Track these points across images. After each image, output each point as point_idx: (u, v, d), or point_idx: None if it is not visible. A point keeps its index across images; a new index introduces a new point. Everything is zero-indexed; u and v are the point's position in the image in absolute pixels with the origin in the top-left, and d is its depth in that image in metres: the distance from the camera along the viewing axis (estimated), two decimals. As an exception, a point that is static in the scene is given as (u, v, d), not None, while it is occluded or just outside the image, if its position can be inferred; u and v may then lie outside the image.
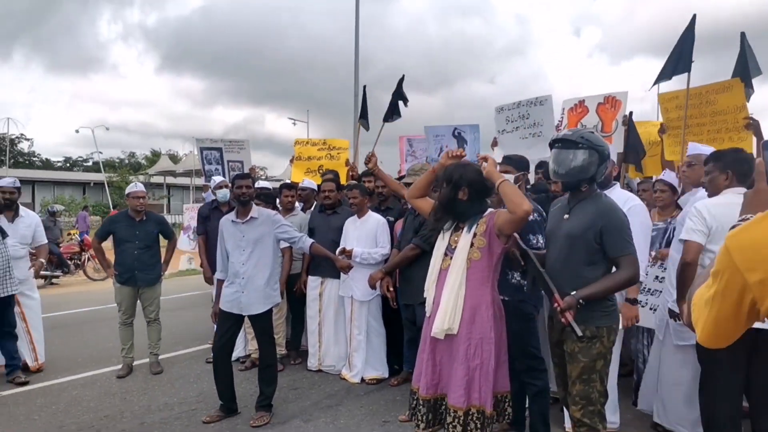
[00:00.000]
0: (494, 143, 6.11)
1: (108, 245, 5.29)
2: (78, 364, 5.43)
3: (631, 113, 4.58)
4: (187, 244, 7.77)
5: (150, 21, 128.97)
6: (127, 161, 52.19)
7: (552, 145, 2.80)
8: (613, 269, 2.66)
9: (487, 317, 2.73)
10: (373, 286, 4.46)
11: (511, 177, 3.46)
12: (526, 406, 3.50)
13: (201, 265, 5.81)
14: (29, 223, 5.26)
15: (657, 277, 3.84)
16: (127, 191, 5.31)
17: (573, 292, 2.53)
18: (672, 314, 3.27)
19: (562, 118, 5.71)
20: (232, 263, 4.05)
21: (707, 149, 3.63)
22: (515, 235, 2.89)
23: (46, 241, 5.59)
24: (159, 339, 5.32)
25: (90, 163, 51.09)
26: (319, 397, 4.49)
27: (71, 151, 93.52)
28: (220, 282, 4.15)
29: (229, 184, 5.34)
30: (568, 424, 3.30)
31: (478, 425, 2.65)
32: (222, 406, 4.07)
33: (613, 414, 3.47)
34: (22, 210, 5.26)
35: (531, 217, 3.34)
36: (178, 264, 12.94)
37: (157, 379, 4.99)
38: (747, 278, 0.93)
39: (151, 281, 5.22)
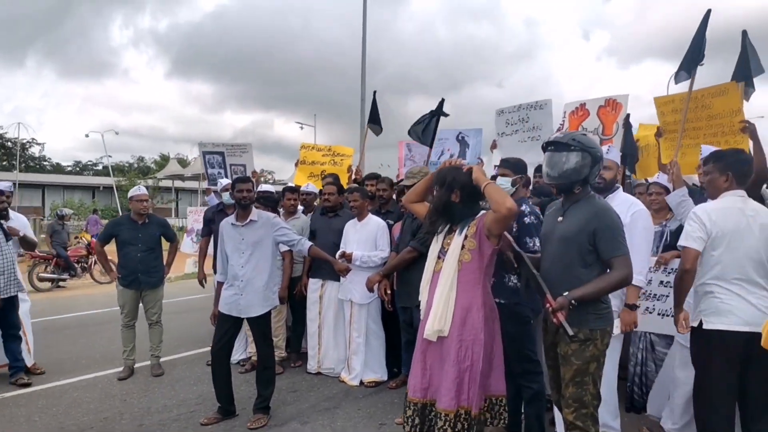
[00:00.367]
0: (493, 146, 6.12)
1: (113, 248, 5.33)
2: (81, 366, 5.47)
3: (628, 115, 4.58)
4: (190, 246, 7.82)
5: (161, 26, 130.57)
6: (136, 165, 52.58)
7: (545, 148, 2.81)
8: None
9: (479, 319, 2.73)
10: (371, 289, 4.47)
11: (508, 180, 3.47)
12: (522, 410, 3.49)
13: (200, 268, 5.86)
14: (18, 225, 5.29)
15: (662, 282, 3.80)
16: (129, 194, 5.36)
17: (565, 293, 2.53)
18: None
19: (564, 121, 5.71)
20: (231, 266, 4.07)
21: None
22: (509, 237, 2.90)
23: (36, 240, 5.64)
24: (160, 341, 5.35)
25: (100, 167, 51.56)
26: (317, 400, 4.50)
27: (81, 155, 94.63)
28: (220, 284, 4.17)
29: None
30: (560, 427, 3.28)
31: (466, 426, 2.66)
32: (220, 408, 4.09)
33: (613, 419, 3.43)
34: (12, 213, 5.31)
35: (527, 220, 3.37)
36: (184, 267, 13.01)
37: (157, 381, 5.02)
38: None
39: (153, 284, 5.26)
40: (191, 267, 13.04)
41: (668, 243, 3.97)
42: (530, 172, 4.32)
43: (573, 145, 2.67)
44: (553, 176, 2.74)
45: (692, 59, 4.19)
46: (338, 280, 4.86)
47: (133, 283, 5.16)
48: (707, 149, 3.78)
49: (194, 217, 7.90)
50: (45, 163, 49.77)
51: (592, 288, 2.57)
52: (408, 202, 3.27)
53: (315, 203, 5.91)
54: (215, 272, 4.33)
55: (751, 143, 3.83)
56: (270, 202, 5.26)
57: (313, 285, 5.14)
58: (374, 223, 4.82)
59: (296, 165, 7.20)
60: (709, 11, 4.17)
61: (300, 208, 5.77)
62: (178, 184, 34.64)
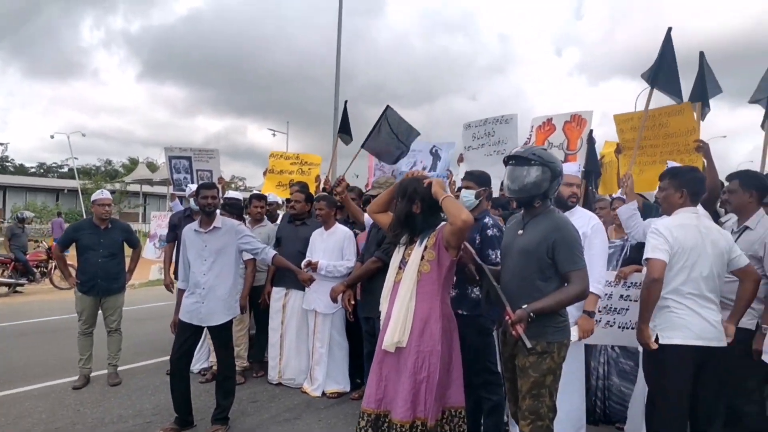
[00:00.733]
0: (460, 159, 6.17)
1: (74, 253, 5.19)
2: (34, 375, 5.28)
3: (591, 131, 4.69)
4: (152, 252, 7.68)
5: (133, 28, 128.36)
6: (103, 168, 51.45)
7: (506, 162, 2.85)
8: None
9: (437, 330, 2.74)
10: (334, 299, 4.44)
11: (472, 192, 3.51)
12: (482, 421, 3.50)
13: (165, 274, 5.75)
14: None
15: (622, 296, 3.86)
16: (92, 198, 5.23)
17: (524, 306, 2.55)
18: None
19: (531, 135, 5.81)
20: (193, 273, 4.00)
21: None
22: (471, 249, 2.92)
23: None
24: (119, 350, 5.21)
25: (65, 170, 50.28)
26: (278, 411, 4.43)
27: (47, 156, 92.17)
28: (181, 292, 4.09)
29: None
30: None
31: (421, 438, 2.64)
32: (177, 419, 3.99)
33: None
34: None
35: (490, 232, 3.40)
36: (148, 274, 12.75)
37: (114, 390, 4.88)
38: None
39: (114, 290, 5.14)
40: (156, 274, 12.80)
41: (628, 257, 4.06)
42: (495, 185, 4.37)
43: (533, 160, 2.71)
44: (513, 190, 2.78)
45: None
46: (302, 290, 4.80)
47: (92, 290, 5.02)
48: (673, 165, 3.89)
49: (158, 222, 7.76)
50: (7, 164, 48.44)
51: (551, 301, 2.60)
52: (372, 212, 3.28)
53: (278, 212, 5.87)
54: (175, 278, 4.24)
55: (705, 162, 3.96)
56: (235, 209, 5.20)
57: (277, 294, 5.08)
58: (341, 232, 4.80)
59: (264, 174, 7.14)
60: (669, 29, 4.33)
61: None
62: (147, 188, 33.97)
